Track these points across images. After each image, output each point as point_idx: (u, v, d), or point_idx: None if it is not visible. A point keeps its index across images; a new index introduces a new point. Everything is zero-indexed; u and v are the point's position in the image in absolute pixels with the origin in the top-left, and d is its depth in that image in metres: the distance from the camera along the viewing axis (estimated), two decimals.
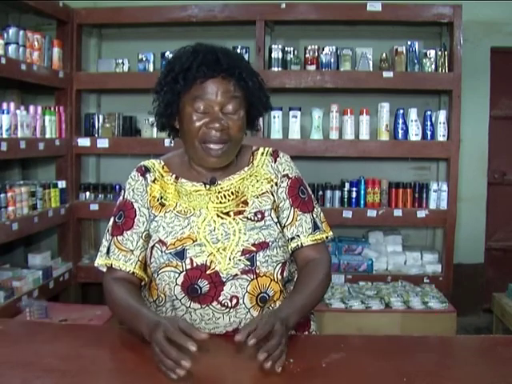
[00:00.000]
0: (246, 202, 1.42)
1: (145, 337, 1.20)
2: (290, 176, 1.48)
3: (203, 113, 1.37)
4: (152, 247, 1.39)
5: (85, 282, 3.67)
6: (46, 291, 3.21)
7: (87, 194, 3.69)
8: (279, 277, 1.38)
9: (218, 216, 1.39)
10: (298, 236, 1.44)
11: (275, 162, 1.49)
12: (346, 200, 3.61)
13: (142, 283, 1.45)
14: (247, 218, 1.39)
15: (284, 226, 1.44)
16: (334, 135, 3.56)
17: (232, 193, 1.43)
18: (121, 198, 1.47)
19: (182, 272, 1.34)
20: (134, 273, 1.40)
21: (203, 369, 1.18)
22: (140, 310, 1.27)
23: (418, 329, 3.01)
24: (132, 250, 1.41)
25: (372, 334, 1.56)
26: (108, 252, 1.42)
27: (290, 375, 1.13)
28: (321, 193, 3.62)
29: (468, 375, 1.17)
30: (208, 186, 1.44)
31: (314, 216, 1.47)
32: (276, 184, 1.46)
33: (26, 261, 3.44)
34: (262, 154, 1.51)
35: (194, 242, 1.36)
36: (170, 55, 1.48)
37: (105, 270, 1.44)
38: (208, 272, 1.33)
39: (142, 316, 1.24)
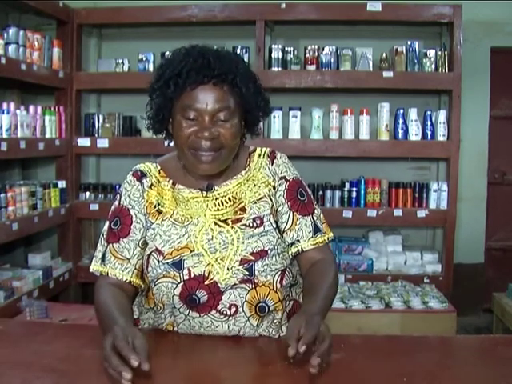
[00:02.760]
0: (243, 209, 1.38)
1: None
2: (288, 178, 1.44)
3: (193, 121, 1.32)
4: (149, 256, 1.36)
5: (85, 282, 3.67)
6: (45, 291, 3.21)
7: (87, 194, 3.70)
8: (278, 286, 1.35)
9: (215, 224, 1.36)
10: (298, 241, 1.40)
11: (272, 164, 1.44)
12: (345, 200, 3.61)
13: (138, 289, 1.42)
14: (245, 225, 1.36)
15: (284, 231, 1.41)
16: (333, 135, 3.56)
17: (229, 199, 1.39)
18: (116, 202, 1.43)
19: (179, 283, 1.31)
20: (130, 282, 1.37)
21: (203, 369, 1.18)
22: (114, 318, 1.22)
23: (417, 329, 3.01)
24: (129, 259, 1.37)
25: (372, 334, 1.56)
26: (104, 259, 1.39)
27: (290, 375, 1.13)
28: (321, 193, 3.62)
29: (468, 375, 1.17)
30: (205, 193, 1.40)
31: (315, 218, 1.43)
32: (274, 187, 1.42)
33: (26, 261, 3.44)
34: (259, 155, 1.46)
35: (191, 251, 1.33)
36: (167, 55, 1.43)
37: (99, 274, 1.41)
38: (206, 282, 1.31)
39: (111, 323, 1.20)
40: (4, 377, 1.12)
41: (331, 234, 1.46)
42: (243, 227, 1.36)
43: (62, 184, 3.48)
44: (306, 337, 1.09)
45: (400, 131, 3.52)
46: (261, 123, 1.50)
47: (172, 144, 1.45)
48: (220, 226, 1.36)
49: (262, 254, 1.33)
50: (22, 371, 1.14)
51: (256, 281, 1.32)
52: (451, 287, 3.50)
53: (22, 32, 3.05)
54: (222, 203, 1.39)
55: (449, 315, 3.12)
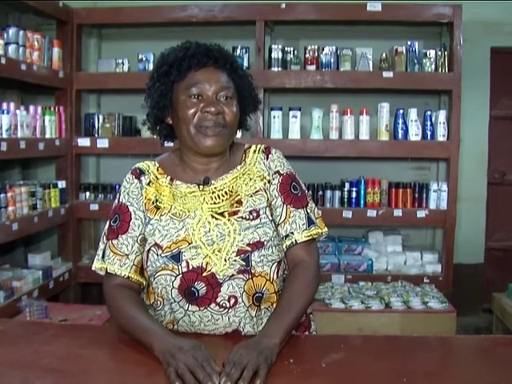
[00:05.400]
0: (240, 202, 1.41)
1: (153, 352, 1.18)
2: (282, 172, 1.47)
3: (198, 99, 1.38)
4: (148, 251, 1.39)
5: (85, 282, 3.68)
6: (45, 291, 3.21)
7: (87, 194, 3.70)
8: (275, 276, 1.37)
9: (212, 217, 1.38)
10: (292, 233, 1.42)
11: (267, 159, 1.48)
12: (345, 200, 3.60)
13: (141, 287, 1.44)
14: (242, 217, 1.38)
15: (278, 224, 1.43)
16: (333, 135, 3.56)
17: (226, 192, 1.42)
18: (116, 201, 1.47)
19: (178, 275, 1.33)
20: (129, 277, 1.40)
21: None
22: (152, 326, 1.26)
23: (417, 329, 3.01)
24: (127, 255, 1.40)
25: (372, 334, 1.56)
26: (103, 256, 1.42)
27: (290, 375, 1.13)
28: (321, 193, 3.62)
29: (468, 375, 1.17)
30: (202, 187, 1.43)
31: (308, 211, 1.45)
32: (269, 181, 1.46)
33: (26, 261, 3.44)
34: (255, 151, 1.50)
35: (189, 244, 1.35)
36: (165, 51, 1.48)
37: (102, 273, 1.43)
38: (204, 274, 1.33)
39: (155, 333, 1.23)
40: (4, 377, 1.12)
41: (325, 229, 1.47)
42: (240, 219, 1.38)
43: (61, 184, 3.48)
44: (233, 375, 1.08)
45: (400, 131, 3.52)
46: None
47: (170, 144, 1.47)
48: (217, 218, 1.39)
49: (258, 245, 1.36)
50: (22, 371, 1.14)
51: (253, 271, 1.35)
52: (451, 287, 3.50)
53: (21, 32, 3.05)
54: (219, 197, 1.42)
55: (449, 315, 3.12)
